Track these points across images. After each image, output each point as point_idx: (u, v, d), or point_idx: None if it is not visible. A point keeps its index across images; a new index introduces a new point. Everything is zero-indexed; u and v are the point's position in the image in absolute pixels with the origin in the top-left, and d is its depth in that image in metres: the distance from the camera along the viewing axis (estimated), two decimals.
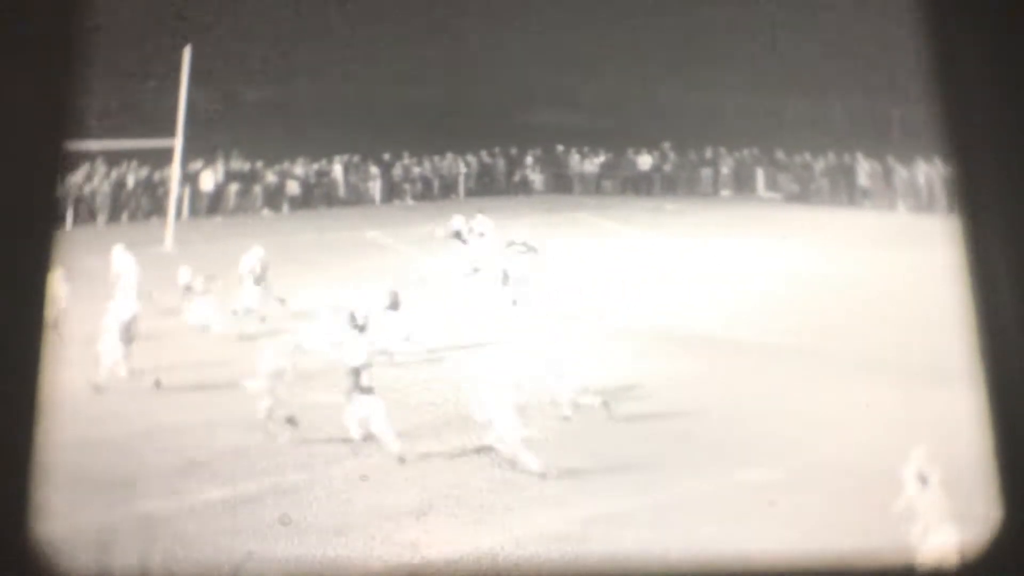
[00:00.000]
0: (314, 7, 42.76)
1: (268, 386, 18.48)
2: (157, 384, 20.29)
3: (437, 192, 40.43)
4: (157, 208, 33.87)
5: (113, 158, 34.95)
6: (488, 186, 41.52)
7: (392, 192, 39.53)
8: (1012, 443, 5.40)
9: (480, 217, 29.35)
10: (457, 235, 28.74)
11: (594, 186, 42.31)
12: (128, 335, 20.78)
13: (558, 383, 19.24)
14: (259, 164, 37.37)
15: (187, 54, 31.29)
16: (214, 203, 36.13)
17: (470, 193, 40.67)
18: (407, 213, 37.06)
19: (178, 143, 31.73)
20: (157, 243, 30.88)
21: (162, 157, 33.16)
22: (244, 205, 36.37)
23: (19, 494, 5.17)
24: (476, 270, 28.36)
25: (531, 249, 26.90)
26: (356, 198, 38.76)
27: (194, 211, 35.09)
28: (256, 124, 38.58)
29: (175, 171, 32.54)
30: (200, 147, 34.09)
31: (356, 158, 39.09)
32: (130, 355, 20.65)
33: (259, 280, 24.74)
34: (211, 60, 32.69)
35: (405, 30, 42.90)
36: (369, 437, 17.86)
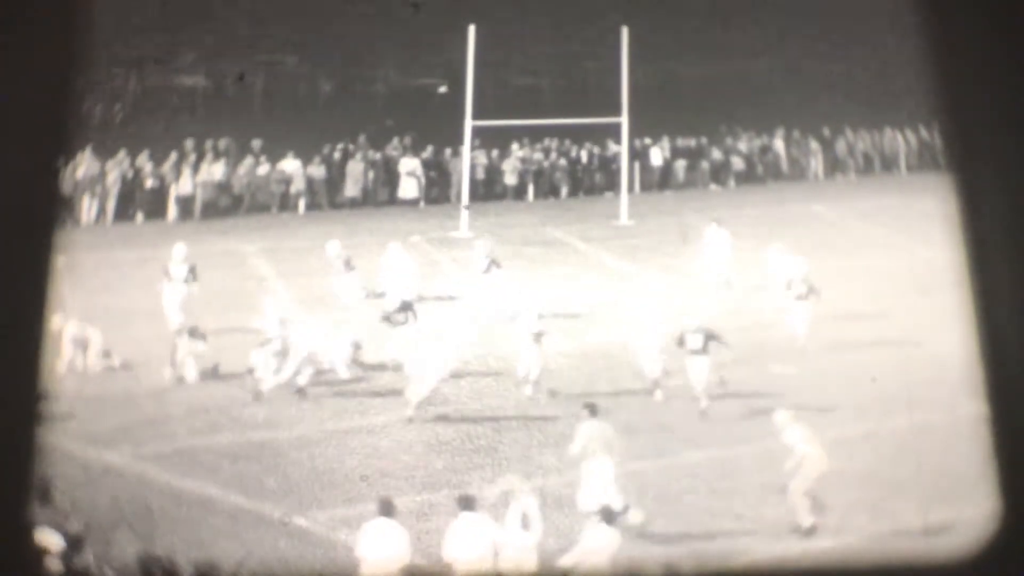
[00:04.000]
0: None
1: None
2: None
3: (879, 168, 40.30)
4: (610, 183, 35.51)
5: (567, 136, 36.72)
6: (929, 163, 40.93)
7: (834, 167, 39.76)
8: (1012, 443, 5.38)
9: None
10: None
11: None
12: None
13: None
14: (703, 140, 38.41)
15: (625, 34, 32.79)
16: (663, 178, 37.55)
17: (911, 169, 40.27)
18: (850, 189, 37.12)
19: (624, 120, 33.21)
20: (613, 217, 32.77)
21: (611, 134, 34.77)
22: (692, 180, 37.61)
23: (19, 495, 5.15)
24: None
25: None
26: (798, 173, 39.22)
27: (644, 186, 36.58)
28: (697, 101, 39.51)
29: (624, 148, 34.05)
30: (646, 124, 35.41)
31: (796, 133, 39.48)
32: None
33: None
34: (649, 39, 33.74)
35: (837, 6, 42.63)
36: None
